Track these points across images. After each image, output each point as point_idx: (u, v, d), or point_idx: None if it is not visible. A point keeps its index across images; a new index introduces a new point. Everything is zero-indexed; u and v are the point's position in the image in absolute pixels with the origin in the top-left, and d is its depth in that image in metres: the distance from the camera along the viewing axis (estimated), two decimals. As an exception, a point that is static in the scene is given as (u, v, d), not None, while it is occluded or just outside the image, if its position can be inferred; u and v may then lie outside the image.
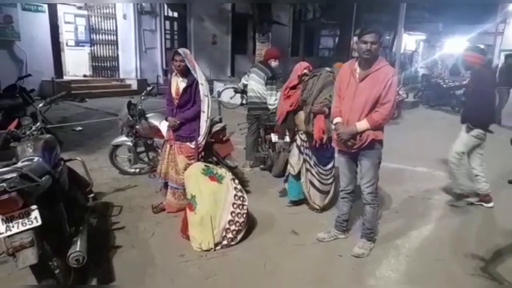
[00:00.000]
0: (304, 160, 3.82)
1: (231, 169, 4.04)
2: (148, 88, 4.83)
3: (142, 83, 12.21)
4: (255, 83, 4.96)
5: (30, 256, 2.05)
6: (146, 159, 4.78)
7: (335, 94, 3.14)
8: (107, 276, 2.73)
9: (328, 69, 3.67)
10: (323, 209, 3.92)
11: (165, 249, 3.14)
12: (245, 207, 3.28)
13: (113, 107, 8.88)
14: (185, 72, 3.55)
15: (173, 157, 3.70)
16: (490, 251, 3.26)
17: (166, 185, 3.82)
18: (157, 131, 4.46)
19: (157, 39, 13.52)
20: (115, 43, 12.77)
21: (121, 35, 12.73)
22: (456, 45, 20.61)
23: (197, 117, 3.61)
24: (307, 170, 3.83)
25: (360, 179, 3.13)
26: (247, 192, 3.83)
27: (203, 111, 3.61)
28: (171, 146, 3.73)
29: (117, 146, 4.78)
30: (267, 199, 4.25)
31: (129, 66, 13.00)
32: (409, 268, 3.02)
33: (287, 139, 4.07)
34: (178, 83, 3.62)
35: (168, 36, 14.09)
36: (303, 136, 3.80)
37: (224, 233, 3.15)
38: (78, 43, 12.54)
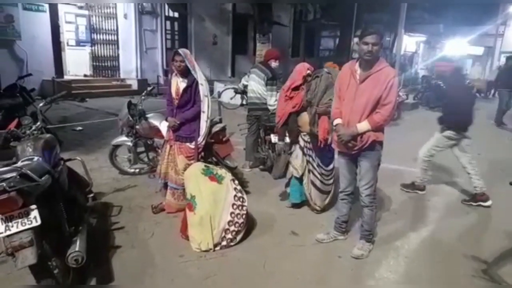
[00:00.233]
0: (307, 162, 3.81)
1: (231, 169, 4.04)
2: (149, 88, 4.83)
3: (143, 83, 12.23)
4: (255, 83, 4.96)
5: (29, 256, 2.04)
6: (146, 159, 4.78)
7: (335, 95, 3.13)
8: (107, 276, 2.73)
9: (326, 70, 3.66)
10: (323, 210, 3.92)
11: (164, 249, 3.14)
12: (244, 207, 3.28)
13: (113, 107, 8.88)
14: (185, 73, 3.55)
15: (173, 158, 3.70)
16: (489, 252, 3.26)
17: (165, 185, 3.82)
18: (157, 131, 4.46)
19: (157, 39, 13.54)
20: (115, 43, 12.79)
21: (122, 35, 12.75)
22: (456, 47, 20.63)
23: (197, 117, 3.61)
24: (309, 171, 3.82)
25: (358, 180, 3.13)
26: (247, 192, 3.84)
27: (203, 112, 3.61)
28: (171, 146, 3.73)
29: (117, 146, 4.78)
30: (267, 199, 4.25)
31: (129, 66, 13.01)
32: (408, 269, 3.02)
33: (287, 140, 4.06)
34: (178, 83, 3.62)
35: (168, 36, 14.11)
36: (306, 138, 3.79)
37: (223, 234, 3.15)
38: (78, 43, 12.54)
